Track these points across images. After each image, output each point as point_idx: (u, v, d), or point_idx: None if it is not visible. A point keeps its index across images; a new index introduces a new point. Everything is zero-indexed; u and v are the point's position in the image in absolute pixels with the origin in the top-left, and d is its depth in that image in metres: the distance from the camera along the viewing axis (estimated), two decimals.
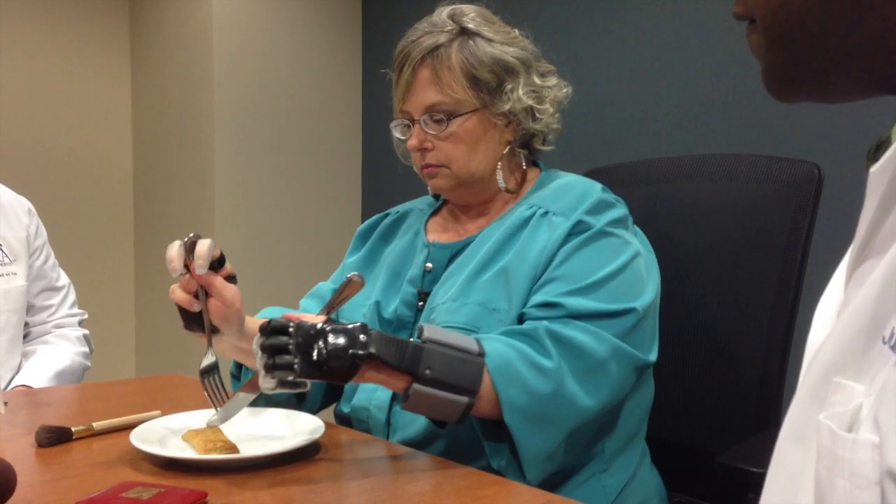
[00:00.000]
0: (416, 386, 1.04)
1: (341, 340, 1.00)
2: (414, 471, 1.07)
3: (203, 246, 1.09)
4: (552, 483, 1.14)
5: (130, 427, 1.13)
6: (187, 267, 1.10)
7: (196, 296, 1.12)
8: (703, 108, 2.62)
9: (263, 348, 1.00)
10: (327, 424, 1.16)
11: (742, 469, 1.14)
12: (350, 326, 1.02)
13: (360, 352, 1.00)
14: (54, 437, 1.13)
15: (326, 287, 1.45)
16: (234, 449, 1.05)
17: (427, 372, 1.03)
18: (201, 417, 1.16)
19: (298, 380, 1.00)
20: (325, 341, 1.00)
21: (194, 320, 1.14)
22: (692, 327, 1.38)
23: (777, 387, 1.32)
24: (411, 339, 1.05)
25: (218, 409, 1.13)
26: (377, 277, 1.36)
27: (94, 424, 1.18)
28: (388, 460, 1.12)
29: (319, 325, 1.01)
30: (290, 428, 1.15)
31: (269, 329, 1.01)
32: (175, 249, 1.10)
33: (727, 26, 2.55)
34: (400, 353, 1.03)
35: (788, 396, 1.42)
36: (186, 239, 1.10)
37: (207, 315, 1.13)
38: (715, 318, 1.39)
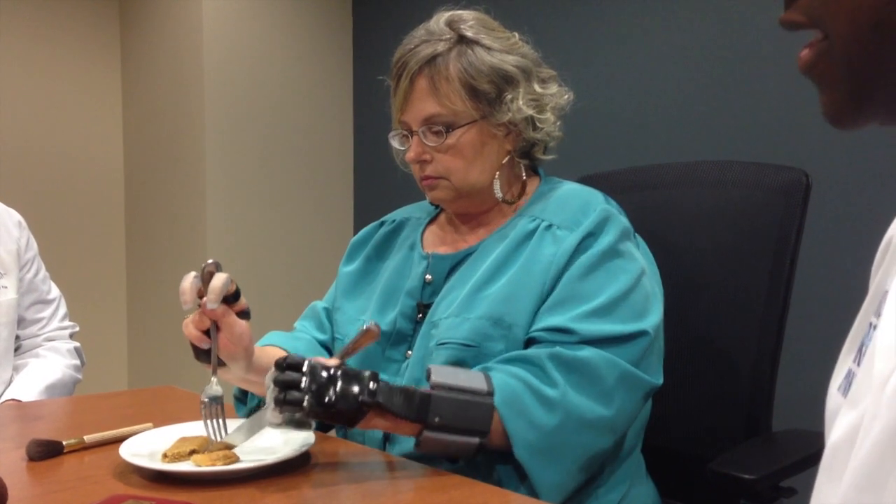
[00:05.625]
0: (426, 433, 1.05)
1: (352, 385, 1.03)
2: (406, 480, 1.07)
3: (217, 281, 1.08)
4: None
5: (122, 440, 1.13)
6: (202, 296, 1.09)
7: (207, 331, 1.12)
8: (692, 115, 2.63)
9: (276, 382, 1.02)
10: (320, 436, 1.16)
11: (733, 476, 1.14)
12: (362, 374, 1.04)
13: (369, 399, 1.02)
14: (45, 451, 1.13)
15: (320, 306, 1.44)
16: (234, 457, 1.05)
17: (437, 419, 1.05)
18: (193, 430, 1.16)
19: (305, 419, 1.02)
20: (336, 384, 1.02)
21: (203, 353, 1.14)
22: (682, 334, 1.38)
23: (768, 393, 1.32)
24: (418, 388, 1.07)
25: (215, 435, 1.11)
26: (373, 292, 1.35)
27: (86, 437, 1.17)
28: (380, 470, 1.12)
29: (332, 368, 1.03)
30: (281, 439, 1.14)
31: (285, 364, 1.03)
32: (188, 282, 1.08)
33: (717, 34, 2.56)
34: (408, 402, 1.05)
35: (779, 402, 1.43)
36: (204, 265, 1.09)
37: (216, 348, 1.12)
38: (705, 324, 1.39)
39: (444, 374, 1.08)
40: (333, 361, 1.06)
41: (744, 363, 1.34)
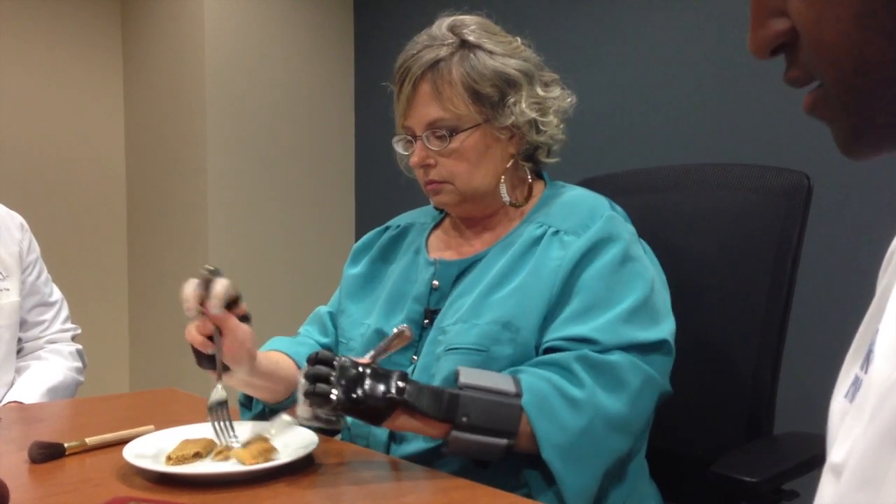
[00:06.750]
0: (454, 433, 1.06)
1: (380, 382, 1.05)
2: (410, 482, 1.07)
3: (219, 286, 1.10)
4: None
5: (124, 442, 1.13)
6: (203, 302, 1.10)
7: (210, 336, 1.13)
8: (694, 117, 2.63)
9: (306, 376, 1.05)
10: (324, 438, 1.16)
11: (735, 478, 1.14)
12: (391, 372, 1.07)
13: (397, 396, 1.04)
14: (47, 453, 1.13)
15: (324, 311, 1.45)
16: (274, 452, 1.07)
17: (465, 419, 1.06)
18: (196, 432, 1.16)
19: (332, 415, 1.05)
20: (364, 380, 1.05)
21: (206, 359, 1.15)
22: (683, 336, 1.38)
23: (769, 395, 1.32)
24: (446, 388, 1.08)
25: (223, 439, 1.13)
26: (378, 296, 1.35)
27: (88, 440, 1.17)
28: (384, 472, 1.12)
29: (362, 366, 1.06)
30: (284, 442, 1.15)
31: (316, 359, 1.06)
32: (190, 288, 1.10)
33: (719, 37, 2.56)
34: (436, 402, 1.06)
35: (781, 405, 1.43)
36: (203, 270, 1.10)
37: (220, 353, 1.13)
38: (706, 327, 1.39)
39: (473, 376, 1.10)
40: (364, 360, 1.09)
41: (745, 365, 1.34)
